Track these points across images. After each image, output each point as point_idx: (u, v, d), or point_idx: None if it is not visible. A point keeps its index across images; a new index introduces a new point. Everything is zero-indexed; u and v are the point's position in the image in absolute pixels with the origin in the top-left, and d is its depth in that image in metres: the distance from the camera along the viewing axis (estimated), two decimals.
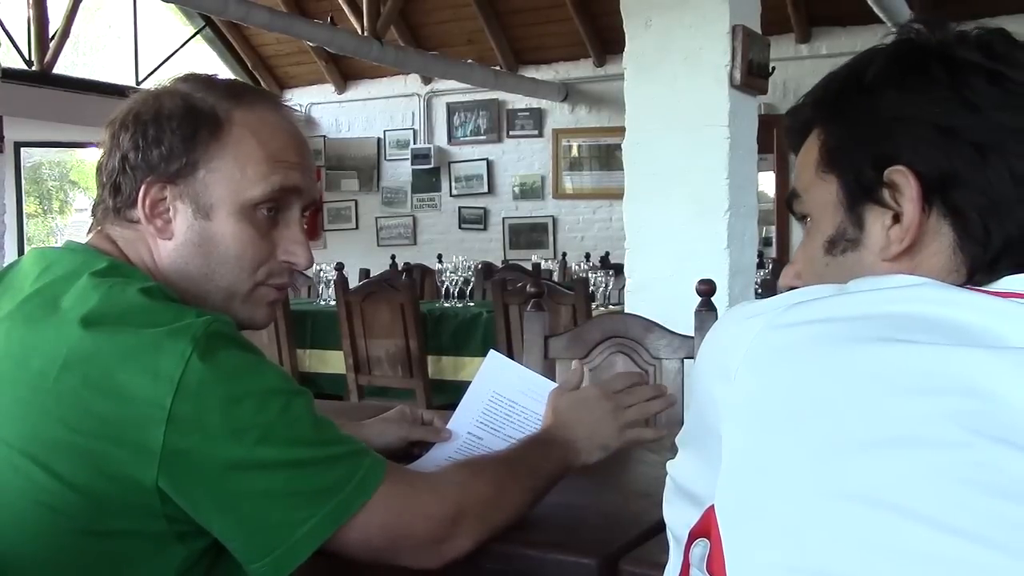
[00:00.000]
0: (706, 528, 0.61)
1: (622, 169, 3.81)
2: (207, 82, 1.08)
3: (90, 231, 1.09)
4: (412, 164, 9.48)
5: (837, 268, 0.72)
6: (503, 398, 1.38)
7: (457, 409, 1.41)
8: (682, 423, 0.70)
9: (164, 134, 1.02)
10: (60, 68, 8.09)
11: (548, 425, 1.25)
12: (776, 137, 5.65)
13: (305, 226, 1.11)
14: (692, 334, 2.08)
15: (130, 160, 1.03)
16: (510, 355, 2.07)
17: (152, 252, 1.05)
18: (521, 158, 9.15)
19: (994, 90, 0.67)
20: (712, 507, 0.60)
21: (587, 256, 7.51)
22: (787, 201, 0.79)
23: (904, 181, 0.68)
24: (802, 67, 7.13)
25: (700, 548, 0.62)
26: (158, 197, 1.03)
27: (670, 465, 0.69)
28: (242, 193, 1.04)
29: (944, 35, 0.70)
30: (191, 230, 1.04)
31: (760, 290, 4.50)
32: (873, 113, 0.71)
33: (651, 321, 2.20)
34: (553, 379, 1.86)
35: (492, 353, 1.45)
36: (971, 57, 0.68)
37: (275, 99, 1.12)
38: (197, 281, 1.04)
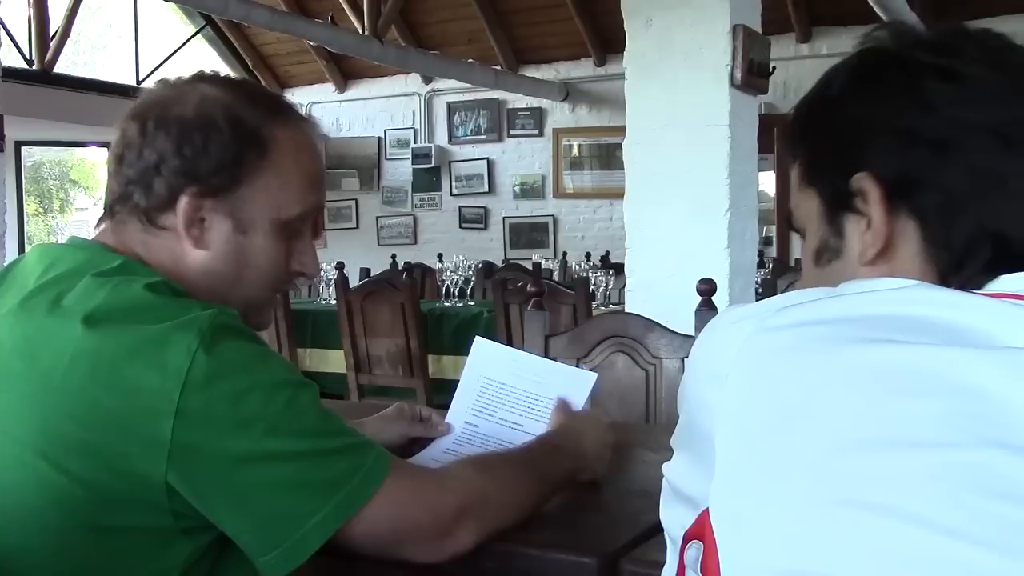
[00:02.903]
0: (700, 531, 0.61)
1: (623, 169, 3.82)
2: (250, 95, 1.07)
3: (100, 223, 1.08)
4: (412, 163, 9.48)
5: (825, 278, 0.73)
6: (493, 381, 1.39)
7: (452, 401, 1.41)
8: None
9: (212, 145, 1.01)
10: (61, 67, 8.09)
11: (561, 428, 1.26)
12: (777, 137, 5.65)
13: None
14: (693, 333, 2.08)
15: (170, 164, 1.01)
16: None
17: (177, 258, 1.04)
18: (521, 157, 9.15)
19: (947, 87, 0.67)
20: (707, 511, 0.60)
21: (587, 256, 7.51)
22: (787, 220, 0.81)
23: (868, 187, 0.69)
24: (803, 67, 7.12)
25: (694, 550, 0.62)
26: (196, 206, 1.02)
27: (666, 467, 0.70)
28: (281, 211, 1.05)
29: (901, 40, 0.72)
30: (228, 243, 1.04)
31: (760, 289, 4.50)
32: (839, 125, 0.73)
33: (651, 321, 2.20)
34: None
35: (478, 339, 1.45)
36: (923, 58, 0.69)
37: (304, 116, 1.12)
38: (221, 289, 1.05)
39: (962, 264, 0.66)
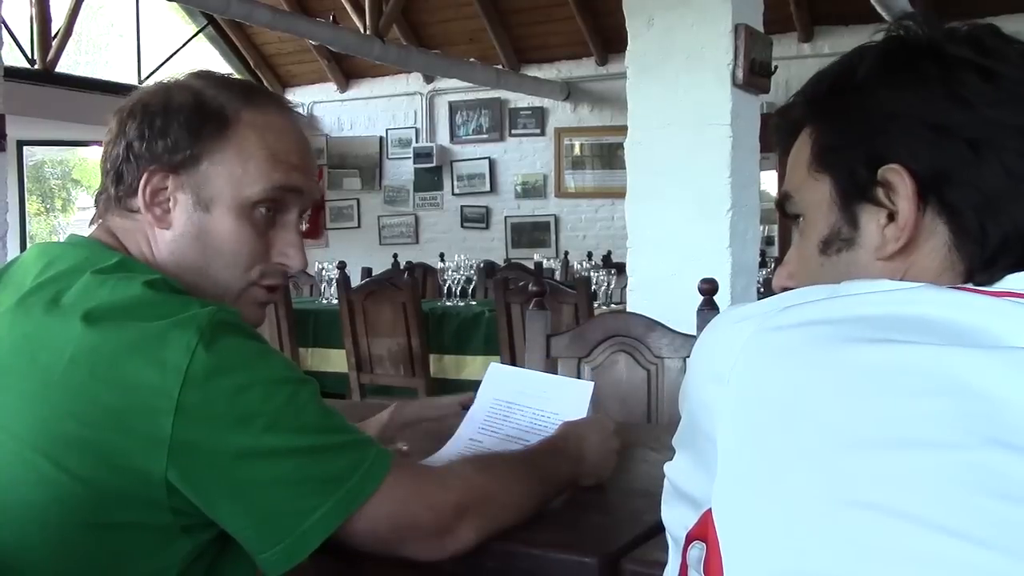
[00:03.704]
0: (703, 531, 0.61)
1: (624, 168, 3.82)
2: (220, 81, 1.09)
3: (93, 222, 1.10)
4: (414, 163, 9.48)
5: (832, 268, 0.72)
6: (501, 401, 1.41)
7: (461, 424, 1.43)
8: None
9: (171, 126, 1.03)
10: (63, 67, 8.09)
11: (563, 432, 1.26)
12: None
13: (306, 226, 1.12)
14: (694, 333, 2.08)
15: (134, 149, 1.04)
16: (512, 355, 2.08)
17: (151, 242, 1.06)
18: (523, 157, 9.15)
19: (986, 86, 0.66)
20: (709, 511, 0.60)
21: (589, 255, 7.51)
22: (778, 202, 0.79)
23: (898, 179, 0.67)
24: (804, 66, 7.09)
25: (697, 551, 0.62)
26: (159, 186, 1.04)
27: (667, 467, 0.69)
28: (242, 190, 1.04)
29: (934, 32, 0.70)
30: (190, 221, 1.04)
31: (762, 289, 4.49)
32: (865, 112, 0.70)
33: (653, 320, 2.20)
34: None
35: (493, 366, 1.49)
36: (962, 53, 0.67)
37: (284, 103, 1.13)
38: (191, 274, 1.05)
39: (995, 260, 0.65)
